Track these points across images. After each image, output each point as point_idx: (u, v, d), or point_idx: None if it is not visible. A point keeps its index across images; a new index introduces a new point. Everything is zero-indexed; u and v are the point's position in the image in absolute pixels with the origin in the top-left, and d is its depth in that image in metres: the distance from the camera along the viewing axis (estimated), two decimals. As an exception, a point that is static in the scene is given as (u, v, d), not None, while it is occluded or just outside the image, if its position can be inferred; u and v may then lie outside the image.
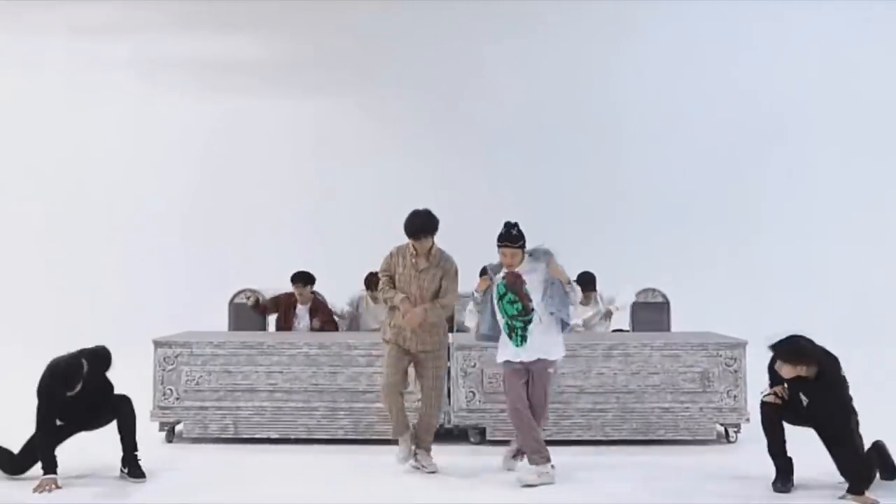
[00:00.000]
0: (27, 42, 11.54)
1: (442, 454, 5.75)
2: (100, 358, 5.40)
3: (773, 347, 5.02)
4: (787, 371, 5.00)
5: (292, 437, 6.40)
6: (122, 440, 5.39)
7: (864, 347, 8.84)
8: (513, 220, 5.42)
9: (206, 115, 11.53)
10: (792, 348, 4.97)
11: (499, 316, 5.42)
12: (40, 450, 5.24)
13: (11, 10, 11.44)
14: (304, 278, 7.73)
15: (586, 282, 7.68)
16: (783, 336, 5.00)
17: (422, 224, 5.47)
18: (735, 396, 6.26)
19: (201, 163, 11.49)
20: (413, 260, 5.54)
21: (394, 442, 5.65)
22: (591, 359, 6.35)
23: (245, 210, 11.25)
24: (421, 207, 5.58)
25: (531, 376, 5.40)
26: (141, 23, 11.58)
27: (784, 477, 5.11)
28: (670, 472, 5.61)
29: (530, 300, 5.33)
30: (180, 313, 8.10)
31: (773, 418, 5.15)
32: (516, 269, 5.36)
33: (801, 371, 4.95)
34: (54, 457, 5.22)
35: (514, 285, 5.36)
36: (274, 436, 6.39)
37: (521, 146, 11.51)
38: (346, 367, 6.40)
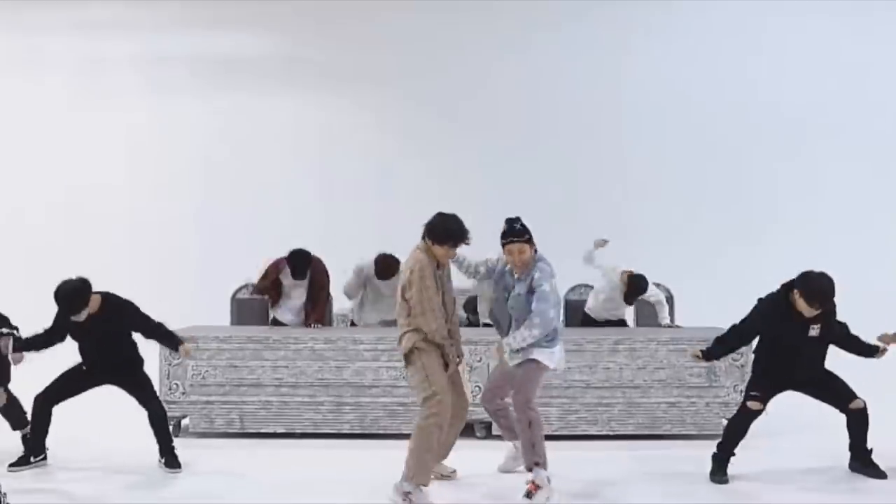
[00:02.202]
0: (28, 40, 11.48)
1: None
2: (115, 298, 5.52)
3: (814, 291, 5.08)
4: (812, 311, 5.12)
5: (298, 431, 6.40)
6: (157, 435, 5.55)
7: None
8: (513, 216, 5.23)
9: (208, 112, 11.49)
10: (829, 289, 5.11)
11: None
12: (33, 340, 5.47)
13: (12, 8, 11.37)
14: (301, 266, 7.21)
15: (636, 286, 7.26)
16: (807, 277, 5.13)
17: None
18: (741, 391, 6.22)
19: (204, 159, 11.46)
20: (438, 273, 4.98)
21: (402, 437, 5.58)
22: (597, 353, 6.34)
23: (247, 205, 11.22)
24: (447, 211, 5.12)
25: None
26: (143, 21, 11.51)
27: (724, 470, 5.37)
28: (676, 466, 5.64)
29: None
30: (182, 309, 8.08)
31: (749, 424, 5.39)
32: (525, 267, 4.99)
33: None
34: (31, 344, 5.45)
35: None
36: (280, 430, 6.40)
37: (527, 141, 11.46)
38: (352, 361, 6.40)
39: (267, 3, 11.44)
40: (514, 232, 4.99)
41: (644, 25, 11.53)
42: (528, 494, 4.86)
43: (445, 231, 4.91)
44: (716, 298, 9.08)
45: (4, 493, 4.42)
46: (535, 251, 5.05)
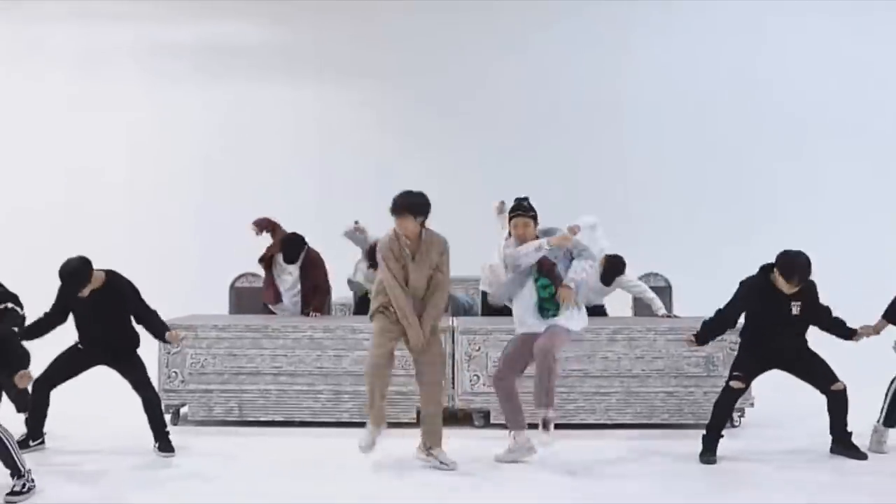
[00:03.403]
0: (29, 29, 11.51)
1: (446, 437, 5.74)
2: (118, 277, 5.65)
3: (793, 267, 5.37)
4: (792, 288, 5.42)
5: (297, 420, 6.41)
6: (151, 421, 5.66)
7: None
8: (523, 195, 5.53)
9: (208, 101, 11.50)
10: (806, 266, 5.40)
11: (530, 291, 5.39)
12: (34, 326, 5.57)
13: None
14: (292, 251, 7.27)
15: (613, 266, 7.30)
16: (784, 256, 5.47)
17: (406, 202, 5.30)
18: (739, 381, 6.26)
19: (203, 148, 11.47)
20: (405, 249, 5.30)
21: (402, 425, 5.62)
22: (595, 343, 6.35)
23: (246, 195, 11.17)
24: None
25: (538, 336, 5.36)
26: (144, 9, 11.54)
27: (713, 451, 5.52)
28: (674, 456, 5.64)
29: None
30: (181, 297, 8.11)
31: (734, 403, 5.65)
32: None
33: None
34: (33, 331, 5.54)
35: (548, 271, 5.34)
36: (278, 419, 6.40)
37: (527, 141, 11.46)
38: (351, 350, 6.40)
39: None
40: (521, 207, 5.42)
41: (644, 24, 11.56)
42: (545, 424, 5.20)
43: (402, 204, 5.30)
44: (716, 297, 9.09)
45: (29, 470, 4.65)
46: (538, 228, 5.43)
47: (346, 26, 11.55)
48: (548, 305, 5.34)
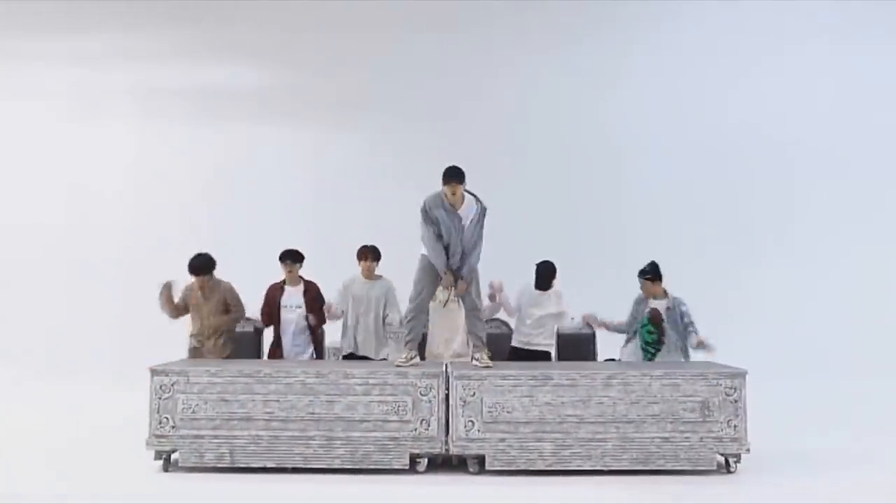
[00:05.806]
0: (27, 70, 11.57)
1: (440, 484, 5.68)
2: None
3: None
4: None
5: (289, 466, 6.32)
6: None
7: (863, 375, 8.94)
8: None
9: (205, 143, 11.51)
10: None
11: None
12: None
13: (12, 38, 11.51)
14: (292, 256, 7.70)
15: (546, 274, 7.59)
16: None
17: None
18: (735, 426, 6.20)
19: (199, 191, 11.46)
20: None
21: (394, 472, 5.52)
22: (590, 388, 6.29)
23: (241, 238, 11.18)
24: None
25: None
26: (141, 52, 11.60)
27: None
28: (670, 502, 5.57)
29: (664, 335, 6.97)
30: (174, 340, 8.04)
31: None
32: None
33: None
34: None
35: (657, 320, 7.00)
36: (270, 465, 6.31)
37: (522, 171, 11.45)
38: (344, 395, 6.34)
39: (265, 34, 11.55)
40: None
41: (642, 39, 11.65)
42: None
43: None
44: (710, 332, 9.09)
45: None
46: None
47: (343, 66, 11.60)
48: (649, 349, 7.07)
